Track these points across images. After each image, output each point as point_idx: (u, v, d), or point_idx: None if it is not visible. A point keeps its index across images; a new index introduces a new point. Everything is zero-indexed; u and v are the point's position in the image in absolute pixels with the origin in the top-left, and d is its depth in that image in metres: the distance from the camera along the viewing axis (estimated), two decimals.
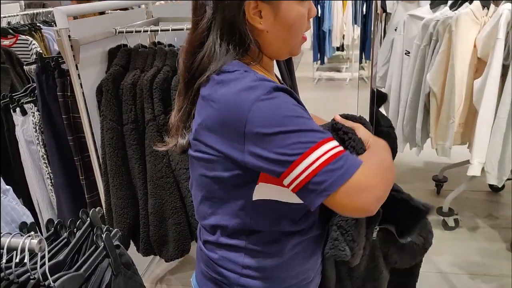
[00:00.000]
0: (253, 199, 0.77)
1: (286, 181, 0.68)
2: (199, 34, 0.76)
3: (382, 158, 0.78)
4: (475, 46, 2.02)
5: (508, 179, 2.05)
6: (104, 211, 1.69)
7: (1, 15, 2.57)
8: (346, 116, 0.90)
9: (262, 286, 0.84)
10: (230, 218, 0.80)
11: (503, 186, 2.74)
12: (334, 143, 0.68)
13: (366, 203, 0.68)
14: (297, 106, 0.70)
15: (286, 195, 0.75)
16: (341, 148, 0.68)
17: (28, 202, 1.86)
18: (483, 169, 2.00)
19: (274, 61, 0.88)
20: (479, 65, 2.05)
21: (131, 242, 1.74)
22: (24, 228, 0.85)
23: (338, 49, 6.12)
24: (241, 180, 0.75)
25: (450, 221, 2.48)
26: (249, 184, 0.75)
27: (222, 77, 0.72)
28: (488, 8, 1.99)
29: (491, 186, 2.76)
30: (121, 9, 2.34)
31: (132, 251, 1.70)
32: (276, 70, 1.40)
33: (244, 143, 0.68)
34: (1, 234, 0.71)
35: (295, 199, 0.73)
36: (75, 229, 0.86)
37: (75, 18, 1.79)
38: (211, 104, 0.71)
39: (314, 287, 0.97)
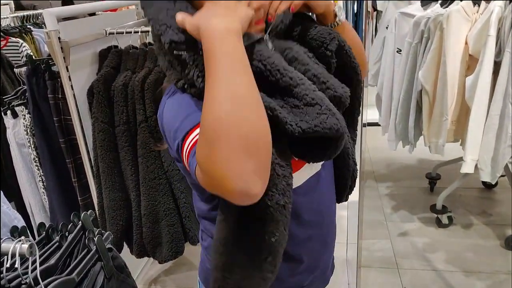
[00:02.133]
0: None
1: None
2: None
3: (231, 93, 0.56)
4: (466, 43, 2.03)
5: (501, 176, 2.06)
6: (97, 213, 1.68)
7: None
8: None
9: None
10: (202, 203, 0.84)
11: (496, 183, 2.75)
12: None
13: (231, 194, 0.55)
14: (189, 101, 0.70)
15: None
16: None
17: (20, 206, 1.84)
18: (476, 166, 2.01)
19: None
20: (470, 62, 2.06)
21: (125, 244, 1.73)
22: (15, 232, 0.84)
23: None
24: None
25: (444, 219, 2.49)
26: None
27: None
28: (479, 5, 2.00)
29: (484, 183, 2.78)
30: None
31: (126, 253, 1.69)
32: None
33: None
34: None
35: None
36: (67, 232, 0.85)
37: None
38: None
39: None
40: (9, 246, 0.68)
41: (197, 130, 0.62)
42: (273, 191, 0.64)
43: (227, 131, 0.53)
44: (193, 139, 0.63)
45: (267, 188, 0.61)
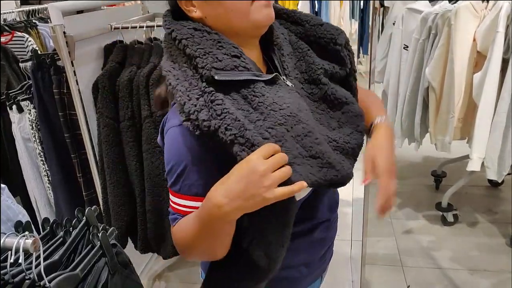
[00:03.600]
0: None
1: None
2: None
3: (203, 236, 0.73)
4: (474, 39, 2.01)
5: (507, 174, 2.04)
6: (102, 209, 1.68)
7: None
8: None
9: None
10: None
11: (503, 181, 2.73)
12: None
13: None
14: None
15: None
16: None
17: (26, 200, 1.85)
18: (482, 164, 1.99)
19: None
20: (478, 59, 2.03)
21: (129, 240, 1.73)
22: (19, 227, 0.84)
23: None
24: None
25: (449, 217, 2.47)
26: None
27: None
28: (487, 1, 1.97)
29: (490, 181, 2.76)
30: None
31: (130, 249, 1.70)
32: None
33: None
34: None
35: None
36: (71, 228, 0.85)
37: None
38: None
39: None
40: (13, 241, 0.68)
41: (174, 198, 0.77)
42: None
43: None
44: (173, 202, 0.78)
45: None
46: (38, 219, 1.85)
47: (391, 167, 0.80)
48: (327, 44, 0.82)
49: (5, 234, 0.70)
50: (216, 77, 0.69)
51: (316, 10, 5.38)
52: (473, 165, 1.99)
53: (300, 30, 0.84)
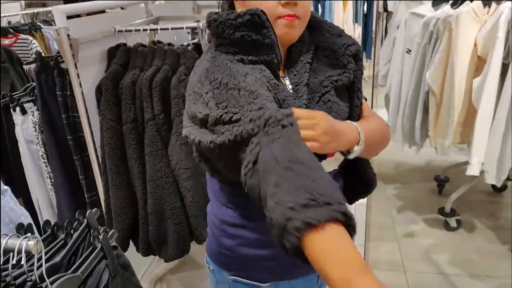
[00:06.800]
0: None
1: None
2: None
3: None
4: (475, 44, 2.01)
5: (508, 179, 2.04)
6: (104, 211, 1.68)
7: (2, 15, 2.57)
8: None
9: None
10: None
11: (505, 187, 2.72)
12: None
13: None
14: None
15: None
16: None
17: (28, 202, 1.85)
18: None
19: None
20: (479, 64, 2.04)
21: (131, 242, 1.74)
22: (21, 229, 0.84)
23: None
24: None
25: (452, 222, 2.47)
26: None
27: None
28: (489, 6, 1.98)
29: (493, 186, 2.75)
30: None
31: (131, 251, 1.70)
32: None
33: None
34: None
35: None
36: (72, 230, 0.85)
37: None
38: None
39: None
40: (16, 242, 0.68)
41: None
42: None
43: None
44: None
45: None
46: (40, 220, 1.86)
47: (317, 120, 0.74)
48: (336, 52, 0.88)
49: (7, 235, 0.71)
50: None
51: (319, 14, 5.40)
52: (473, 170, 1.99)
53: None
